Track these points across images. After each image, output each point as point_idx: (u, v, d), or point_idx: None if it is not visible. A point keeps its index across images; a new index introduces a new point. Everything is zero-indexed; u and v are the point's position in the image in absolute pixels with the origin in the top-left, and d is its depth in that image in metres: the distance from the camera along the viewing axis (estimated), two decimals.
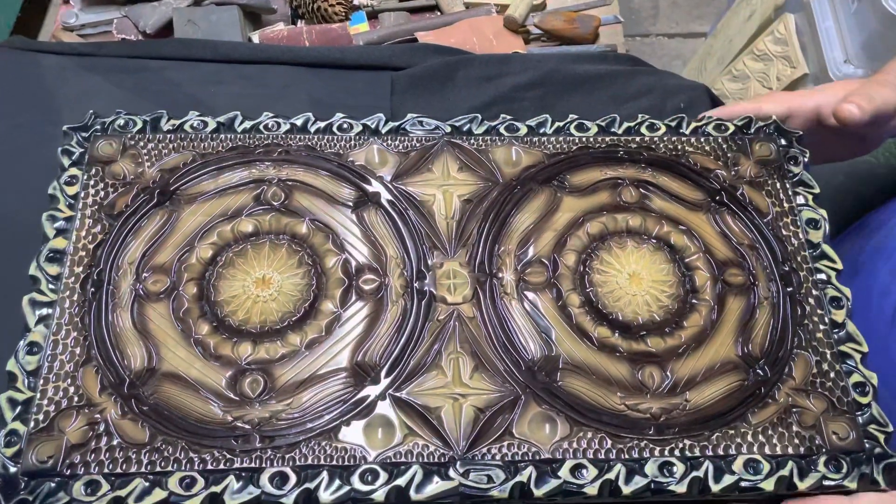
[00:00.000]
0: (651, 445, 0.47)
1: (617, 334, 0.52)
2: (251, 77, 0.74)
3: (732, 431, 0.48)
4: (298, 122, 0.59)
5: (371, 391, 0.48)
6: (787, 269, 0.54)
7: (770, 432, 0.48)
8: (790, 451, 0.48)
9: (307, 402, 0.48)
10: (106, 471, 0.45)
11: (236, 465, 0.45)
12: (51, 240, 0.52)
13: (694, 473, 0.46)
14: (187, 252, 0.53)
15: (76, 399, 0.47)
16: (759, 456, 0.47)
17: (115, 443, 0.46)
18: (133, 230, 0.53)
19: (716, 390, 0.50)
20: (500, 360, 0.50)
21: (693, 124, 0.61)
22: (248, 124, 0.58)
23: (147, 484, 0.44)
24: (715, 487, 0.46)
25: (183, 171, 0.56)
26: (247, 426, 0.47)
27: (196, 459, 0.45)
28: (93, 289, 0.51)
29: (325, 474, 0.45)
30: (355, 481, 0.45)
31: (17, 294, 0.51)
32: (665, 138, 0.60)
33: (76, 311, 0.50)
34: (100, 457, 0.45)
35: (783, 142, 0.60)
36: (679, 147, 0.60)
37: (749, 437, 0.48)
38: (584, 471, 0.46)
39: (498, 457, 0.47)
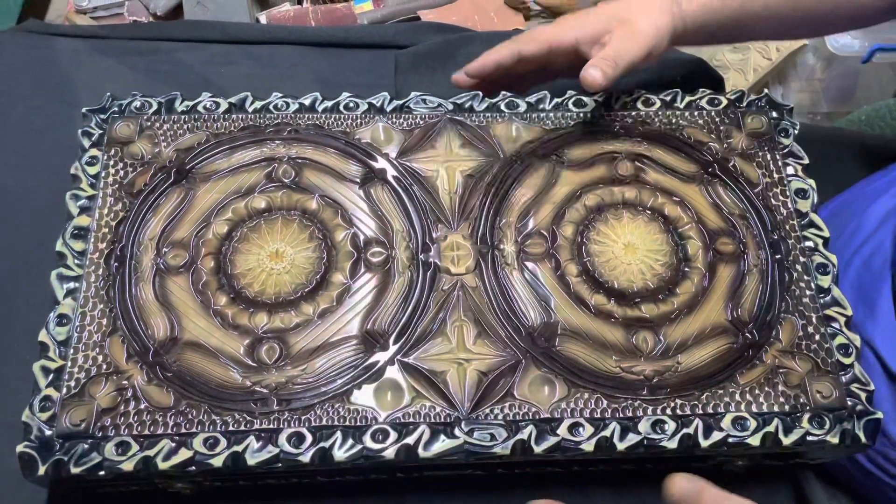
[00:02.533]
0: (644, 405, 0.50)
1: (612, 301, 0.54)
2: (259, 57, 0.76)
3: (721, 391, 0.51)
4: (307, 102, 0.61)
5: (380, 357, 0.51)
6: (776, 237, 0.57)
7: (757, 392, 0.51)
8: (776, 409, 0.51)
9: (321, 367, 0.51)
10: (135, 433, 0.48)
11: (256, 427, 0.49)
12: (75, 217, 0.55)
13: (684, 430, 0.49)
14: (204, 228, 0.56)
15: (105, 367, 0.50)
16: (746, 414, 0.50)
17: (142, 407, 0.49)
18: (152, 207, 0.56)
19: (706, 353, 0.53)
20: (502, 326, 0.53)
21: (687, 98, 0.63)
22: (258, 104, 0.61)
23: (174, 444, 0.48)
24: (704, 443, 0.49)
25: (197, 150, 0.58)
26: (265, 390, 0.50)
27: (218, 421, 0.49)
28: (116, 263, 0.54)
29: (338, 434, 0.48)
30: (367, 440, 0.48)
31: (39, 268, 0.54)
32: (660, 112, 0.62)
33: (101, 284, 0.53)
34: (129, 420, 0.48)
35: (774, 114, 0.62)
36: (674, 121, 0.62)
37: (737, 397, 0.51)
38: (580, 429, 0.49)
39: (500, 417, 0.50)
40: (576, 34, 0.60)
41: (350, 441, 0.48)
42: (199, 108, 0.60)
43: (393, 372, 0.51)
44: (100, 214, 0.55)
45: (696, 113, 0.62)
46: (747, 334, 0.53)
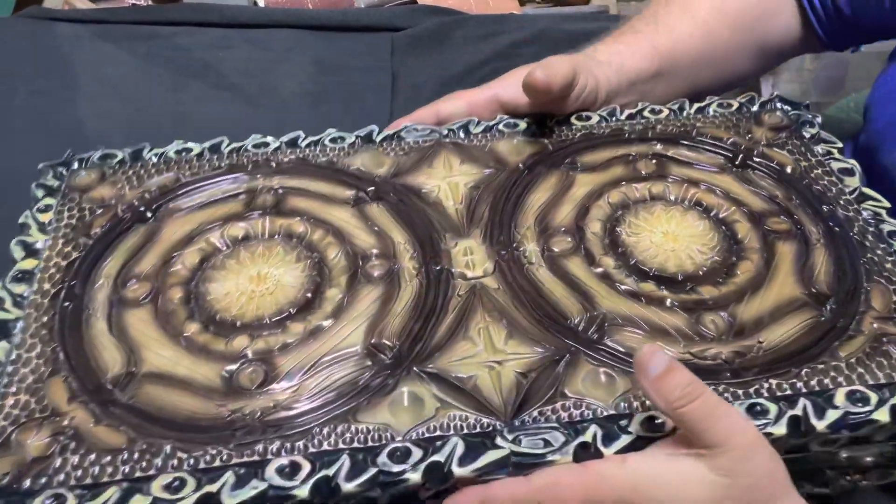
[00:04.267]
0: (732, 389, 0.40)
1: (663, 288, 0.45)
2: (257, 41, 0.76)
3: (822, 367, 0.41)
4: (287, 140, 0.56)
5: (392, 369, 0.41)
6: (828, 211, 0.50)
7: (866, 362, 0.41)
8: (895, 377, 0.40)
9: (316, 387, 0.40)
10: (72, 482, 0.36)
11: (235, 461, 0.37)
12: (18, 262, 0.47)
13: (790, 412, 0.38)
14: (173, 258, 0.47)
15: (39, 412, 0.39)
16: (860, 387, 0.40)
17: (83, 451, 0.37)
18: (112, 244, 0.48)
19: (790, 329, 0.43)
20: (537, 324, 0.43)
21: (696, 105, 0.59)
22: (234, 145, 0.55)
23: (122, 493, 0.35)
24: (819, 425, 0.38)
25: (168, 188, 0.52)
26: (246, 418, 0.39)
27: (186, 458, 0.37)
28: (66, 302, 0.44)
29: (345, 458, 0.37)
30: (383, 460, 0.36)
31: None
32: (671, 118, 0.58)
33: (45, 322, 0.43)
34: (66, 468, 0.37)
35: (790, 110, 0.58)
36: (687, 124, 0.57)
37: (844, 370, 0.41)
38: (658, 421, 0.38)
39: (553, 419, 0.39)
40: (493, 89, 0.58)
41: (360, 465, 0.36)
42: (171, 153, 0.55)
43: (409, 383, 0.40)
44: (48, 256, 0.47)
45: (709, 115, 0.58)
46: (831, 306, 0.44)
